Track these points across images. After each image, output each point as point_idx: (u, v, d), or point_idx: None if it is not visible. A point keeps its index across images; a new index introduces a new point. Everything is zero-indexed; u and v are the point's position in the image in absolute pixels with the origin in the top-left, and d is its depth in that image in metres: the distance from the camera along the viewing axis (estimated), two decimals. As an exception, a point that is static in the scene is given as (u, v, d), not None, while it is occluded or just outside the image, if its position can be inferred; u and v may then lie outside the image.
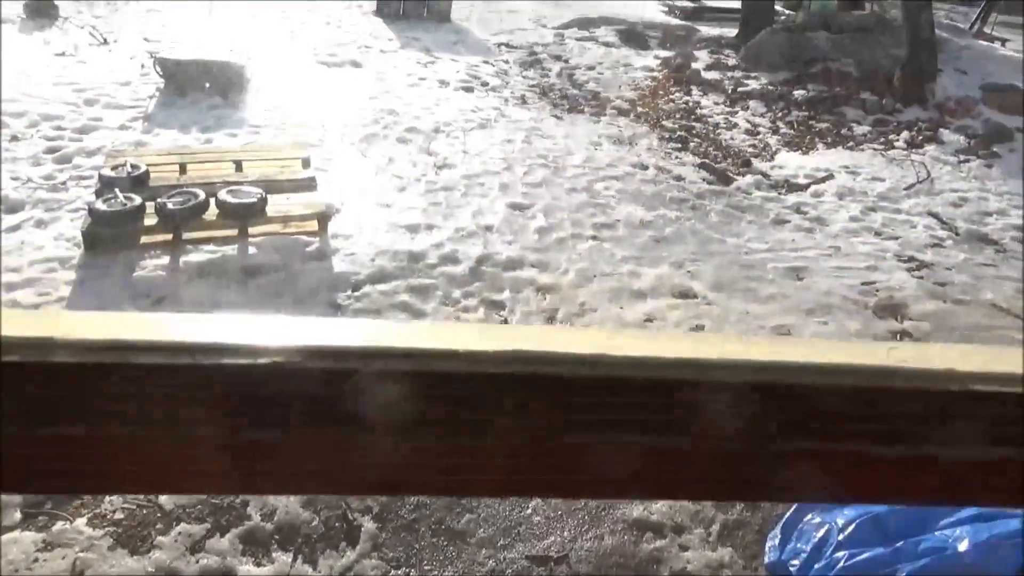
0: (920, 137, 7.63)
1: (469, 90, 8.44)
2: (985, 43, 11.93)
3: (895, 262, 5.09)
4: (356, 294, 4.16)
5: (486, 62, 9.89)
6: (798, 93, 8.97)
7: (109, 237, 4.15)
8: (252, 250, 4.45)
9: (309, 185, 4.95)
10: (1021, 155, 7.26)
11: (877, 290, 4.66)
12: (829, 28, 10.17)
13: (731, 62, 10.56)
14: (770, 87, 9.27)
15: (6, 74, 6.87)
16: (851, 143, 7.62)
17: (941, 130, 7.75)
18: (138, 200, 4.20)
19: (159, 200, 4.23)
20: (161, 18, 10.72)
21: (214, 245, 4.38)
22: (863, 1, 13.20)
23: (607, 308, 4.28)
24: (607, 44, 11.50)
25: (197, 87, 7.15)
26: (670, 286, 4.56)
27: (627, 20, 13.20)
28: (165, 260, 4.23)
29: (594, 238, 5.11)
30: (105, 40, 8.69)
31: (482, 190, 5.68)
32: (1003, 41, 14.67)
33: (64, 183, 5.07)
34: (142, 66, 7.84)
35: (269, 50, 9.46)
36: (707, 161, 6.88)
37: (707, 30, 13.22)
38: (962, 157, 7.15)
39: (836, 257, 5.12)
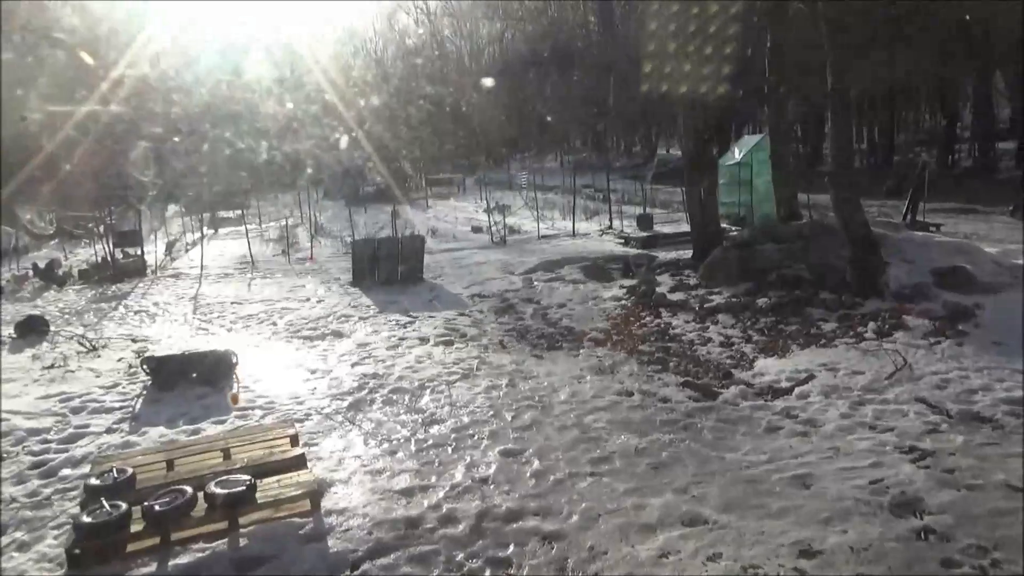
0: (887, 326, 7.89)
1: (449, 343, 8.72)
2: (921, 232, 12.81)
3: (897, 455, 5.01)
4: (355, 574, 3.96)
5: (462, 314, 10.33)
6: (761, 301, 9.38)
7: (94, 551, 3.99)
8: (244, 541, 4.28)
9: (299, 463, 4.90)
10: (987, 330, 7.49)
11: (887, 487, 4.53)
12: (775, 239, 10.91)
13: (692, 281, 11.15)
14: (733, 299, 9.70)
15: (-5, 395, 7.00)
16: (823, 341, 7.84)
17: (905, 317, 8.03)
18: (124, 507, 4.10)
19: (146, 503, 4.14)
20: (148, 318, 11.23)
21: (203, 542, 4.22)
22: (799, 211, 14.34)
23: (618, 548, 4.09)
24: (574, 281, 12.16)
25: (184, 379, 7.30)
26: (678, 514, 4.41)
27: (588, 257, 14.11)
28: (153, 567, 4.03)
29: (592, 474, 5.01)
30: (94, 347, 9.00)
31: (473, 441, 5.66)
32: (937, 226, 15.82)
33: (49, 498, 4.97)
34: (129, 366, 8.06)
35: (254, 333, 9.85)
36: (689, 379, 6.99)
37: (664, 255, 14.12)
38: (932, 340, 7.36)
39: (837, 458, 5.04)
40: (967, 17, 21.23)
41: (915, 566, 3.73)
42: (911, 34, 23.37)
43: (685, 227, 16.22)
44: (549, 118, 42.51)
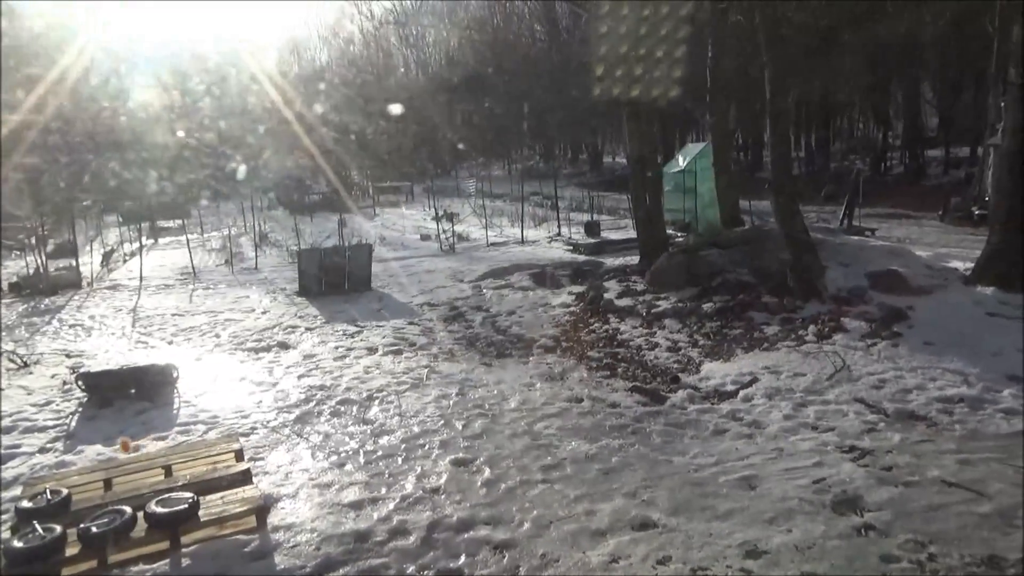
0: (826, 329, 8.12)
1: (398, 352, 8.64)
2: (856, 237, 13.23)
3: (838, 454, 5.15)
4: (303, 591, 3.88)
5: (411, 323, 10.25)
6: (706, 306, 9.55)
7: (26, 577, 3.81)
8: (186, 561, 4.15)
9: (244, 479, 4.78)
10: (919, 331, 7.76)
11: (829, 486, 4.66)
12: (719, 245, 11.13)
13: (639, 287, 11.29)
14: (680, 304, 9.86)
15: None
16: (765, 344, 8.02)
17: (843, 319, 8.28)
18: (58, 530, 3.93)
19: (82, 525, 3.98)
20: (83, 332, 10.84)
21: (144, 564, 4.08)
22: (741, 217, 14.69)
23: (569, 555, 4.10)
24: (523, 289, 12.19)
25: (122, 395, 7.06)
26: (628, 519, 4.45)
27: (537, 264, 14.16)
28: (89, 592, 3.88)
29: (543, 481, 5.02)
30: (25, 363, 8.64)
31: (423, 451, 5.61)
32: (872, 231, 16.39)
33: (-23, 523, 4.74)
34: (63, 383, 7.76)
35: (196, 346, 9.59)
36: (638, 384, 7.06)
37: (611, 261, 14.27)
38: (869, 341, 7.60)
39: (781, 459, 5.16)
40: (904, 32, 22.10)
41: (856, 562, 3.84)
42: (845, 45, 24.21)
43: (632, 233, 16.42)
44: (468, 143, 42.65)
